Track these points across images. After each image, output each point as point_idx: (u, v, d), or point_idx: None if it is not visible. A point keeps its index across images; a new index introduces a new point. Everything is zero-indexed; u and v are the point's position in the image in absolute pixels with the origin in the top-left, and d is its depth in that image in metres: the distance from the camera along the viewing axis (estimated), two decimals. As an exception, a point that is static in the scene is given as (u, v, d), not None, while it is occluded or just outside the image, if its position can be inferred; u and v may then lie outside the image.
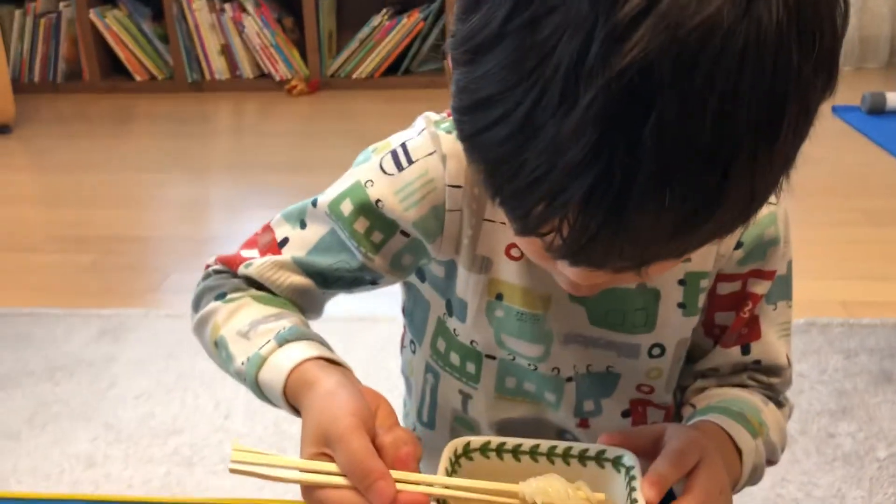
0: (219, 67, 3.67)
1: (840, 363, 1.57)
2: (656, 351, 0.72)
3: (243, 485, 1.28)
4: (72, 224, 2.34)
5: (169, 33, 3.62)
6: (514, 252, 0.68)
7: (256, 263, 0.71)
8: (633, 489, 0.60)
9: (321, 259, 0.71)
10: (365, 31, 3.58)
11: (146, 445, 1.40)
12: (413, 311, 0.78)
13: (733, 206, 0.46)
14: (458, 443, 0.64)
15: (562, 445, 0.64)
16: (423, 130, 0.67)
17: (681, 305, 0.70)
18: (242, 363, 0.66)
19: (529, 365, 0.73)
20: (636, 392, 0.75)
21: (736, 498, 0.67)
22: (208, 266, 0.75)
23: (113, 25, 3.62)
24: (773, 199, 0.50)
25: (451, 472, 0.63)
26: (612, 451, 0.63)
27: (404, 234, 0.68)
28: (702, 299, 0.70)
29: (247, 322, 0.68)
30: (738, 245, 0.68)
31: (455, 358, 0.76)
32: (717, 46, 0.41)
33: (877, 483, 1.27)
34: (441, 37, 3.56)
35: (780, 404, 0.76)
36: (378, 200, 0.66)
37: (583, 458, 0.64)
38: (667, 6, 0.41)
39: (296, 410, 0.63)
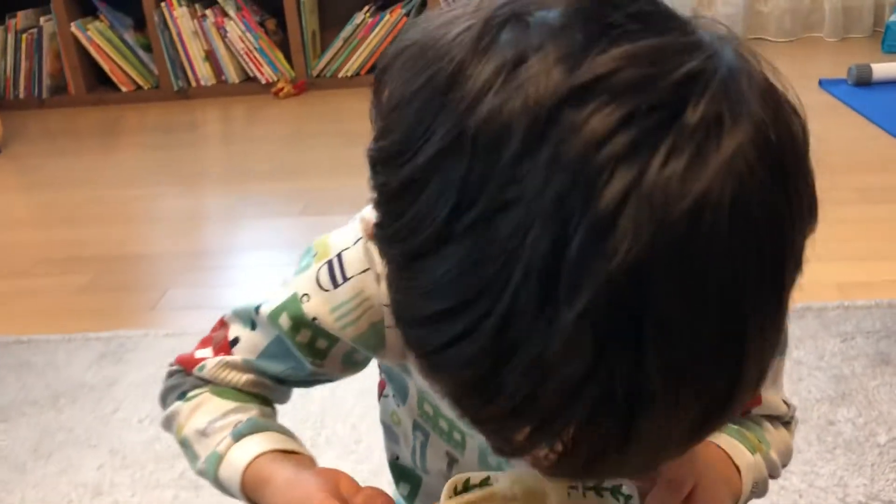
0: (204, 74, 3.66)
1: (837, 347, 1.58)
2: None
3: (251, 506, 1.29)
4: (65, 245, 2.34)
5: (152, 42, 3.61)
6: None
7: (209, 366, 0.70)
8: (632, 519, 0.61)
9: (271, 365, 0.69)
10: (348, 29, 3.57)
11: (152, 470, 1.41)
12: (391, 371, 0.75)
13: (747, 389, 0.42)
14: (458, 479, 0.65)
15: (560, 477, 0.65)
16: (358, 241, 0.63)
17: None
18: (203, 461, 0.67)
19: None
20: None
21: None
22: (171, 365, 0.74)
23: (95, 37, 3.60)
24: None
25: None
26: (610, 481, 0.64)
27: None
28: None
29: (206, 420, 0.68)
30: None
31: (444, 424, 0.74)
32: (708, 226, 0.36)
33: (878, 469, 1.28)
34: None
35: (786, 423, 0.75)
36: (314, 318, 0.63)
37: (581, 488, 0.65)
38: (648, 188, 0.36)
39: None
